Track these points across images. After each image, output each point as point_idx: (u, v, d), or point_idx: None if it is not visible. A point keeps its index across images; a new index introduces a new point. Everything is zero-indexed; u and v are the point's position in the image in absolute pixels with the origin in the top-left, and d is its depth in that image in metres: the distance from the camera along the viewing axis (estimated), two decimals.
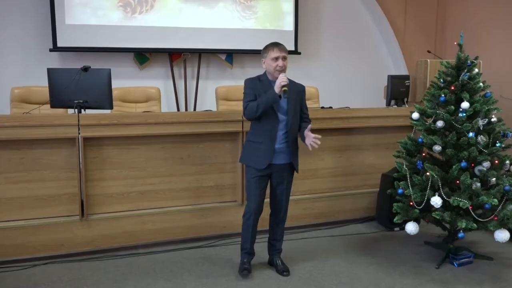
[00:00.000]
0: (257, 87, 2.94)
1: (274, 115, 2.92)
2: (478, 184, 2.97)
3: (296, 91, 3.00)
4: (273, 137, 2.93)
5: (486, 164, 3.05)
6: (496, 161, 3.10)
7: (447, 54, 5.73)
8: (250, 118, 2.95)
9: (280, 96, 2.86)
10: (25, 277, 3.00)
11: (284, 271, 3.07)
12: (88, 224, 3.35)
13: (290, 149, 2.99)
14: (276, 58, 2.91)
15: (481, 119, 3.08)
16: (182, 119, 3.49)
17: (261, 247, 3.24)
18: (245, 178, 3.06)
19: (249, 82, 2.98)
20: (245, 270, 3.00)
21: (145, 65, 5.24)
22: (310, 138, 2.90)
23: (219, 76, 5.50)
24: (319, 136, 2.89)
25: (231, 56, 5.48)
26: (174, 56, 5.29)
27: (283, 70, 2.92)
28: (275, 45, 2.94)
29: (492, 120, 3.17)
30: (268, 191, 3.08)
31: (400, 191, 3.24)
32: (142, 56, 5.21)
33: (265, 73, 3.01)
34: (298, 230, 3.86)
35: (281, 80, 2.83)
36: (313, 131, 3.77)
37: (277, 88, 2.84)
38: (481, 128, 3.09)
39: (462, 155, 3.04)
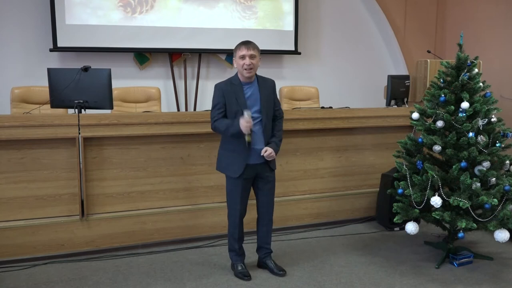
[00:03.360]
0: (229, 94, 2.88)
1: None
2: (478, 184, 2.97)
3: (266, 87, 2.96)
4: (246, 145, 2.87)
5: (486, 164, 3.05)
6: (496, 161, 3.10)
7: (447, 54, 5.73)
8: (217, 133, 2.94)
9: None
10: (25, 277, 3.01)
11: (280, 270, 3.06)
12: (88, 224, 3.35)
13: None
14: (243, 57, 2.86)
15: (481, 119, 3.08)
16: (182, 119, 3.49)
17: (255, 248, 3.25)
18: (226, 184, 3.02)
19: (219, 89, 2.91)
20: (246, 277, 2.99)
21: (145, 65, 5.24)
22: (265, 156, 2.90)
23: (219, 76, 5.47)
24: (268, 152, 2.88)
25: (231, 56, 5.47)
26: (174, 56, 5.29)
27: (251, 68, 2.85)
28: (243, 43, 2.90)
29: (492, 120, 3.17)
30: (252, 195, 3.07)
31: (400, 191, 3.24)
32: (142, 56, 5.21)
33: (237, 74, 2.96)
34: (298, 230, 3.86)
35: (244, 126, 2.76)
36: (312, 131, 3.78)
37: (242, 128, 2.78)
38: (481, 128, 3.09)
39: (462, 155, 3.04)
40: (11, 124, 3.10)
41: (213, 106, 2.93)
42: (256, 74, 2.97)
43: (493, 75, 4.61)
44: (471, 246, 3.50)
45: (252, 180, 3.00)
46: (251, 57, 2.86)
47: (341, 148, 4.05)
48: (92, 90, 3.41)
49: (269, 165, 2.99)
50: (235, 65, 2.94)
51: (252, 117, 2.82)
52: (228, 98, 2.88)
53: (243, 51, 2.86)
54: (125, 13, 5.02)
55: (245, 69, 2.85)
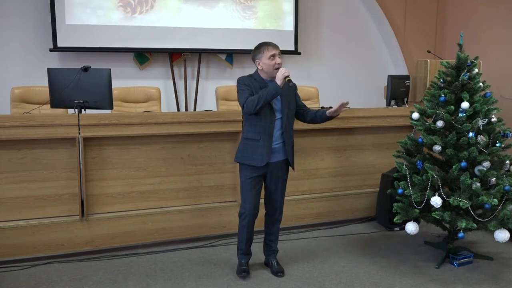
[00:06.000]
0: (253, 84, 2.91)
1: (271, 112, 2.90)
2: (478, 184, 2.97)
3: (286, 88, 2.96)
4: (271, 134, 2.91)
5: (486, 164, 3.05)
6: (496, 161, 3.10)
7: (447, 54, 5.73)
8: (249, 112, 2.88)
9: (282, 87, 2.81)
10: (25, 277, 3.01)
11: (278, 272, 3.06)
12: (88, 224, 3.35)
13: (286, 148, 2.97)
14: (273, 56, 2.87)
15: (481, 119, 3.08)
16: (182, 119, 3.49)
17: (260, 247, 3.25)
18: (239, 179, 3.03)
19: (243, 79, 2.95)
20: (244, 272, 3.00)
21: (145, 65, 5.24)
22: (340, 107, 2.95)
23: (219, 76, 5.50)
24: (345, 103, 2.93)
25: (231, 56, 5.48)
26: (174, 56, 5.29)
27: (280, 67, 2.88)
28: (268, 43, 2.92)
29: (492, 120, 3.17)
30: (262, 191, 3.07)
31: (400, 191, 3.24)
32: (142, 56, 5.21)
33: (256, 72, 2.98)
34: (298, 230, 3.86)
35: (283, 72, 2.79)
36: (312, 131, 3.77)
37: (279, 80, 2.78)
38: (481, 128, 3.09)
39: (462, 155, 3.04)
40: (11, 124, 3.10)
41: (241, 93, 2.90)
42: None
43: (493, 75, 4.61)
44: (471, 246, 3.50)
45: (263, 178, 3.00)
46: (279, 55, 2.90)
47: (341, 148, 4.05)
48: (92, 90, 3.41)
49: (289, 162, 3.01)
50: (259, 66, 2.94)
51: (275, 117, 2.90)
52: (253, 88, 2.89)
53: (273, 51, 2.88)
54: (125, 13, 5.02)
55: (276, 68, 2.86)
